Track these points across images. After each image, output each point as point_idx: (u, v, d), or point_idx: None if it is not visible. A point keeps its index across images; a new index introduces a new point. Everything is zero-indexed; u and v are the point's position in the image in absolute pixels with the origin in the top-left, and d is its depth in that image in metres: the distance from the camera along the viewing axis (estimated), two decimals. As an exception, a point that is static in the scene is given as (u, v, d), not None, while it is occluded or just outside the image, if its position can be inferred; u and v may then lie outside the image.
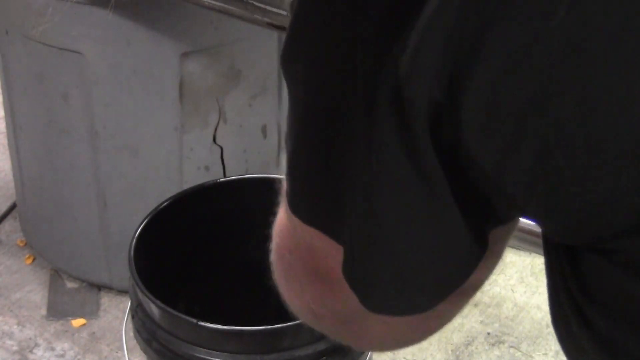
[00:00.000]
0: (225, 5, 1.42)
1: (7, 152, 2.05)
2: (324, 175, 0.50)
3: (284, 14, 1.35)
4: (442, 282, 0.51)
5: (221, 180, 1.55)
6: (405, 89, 0.43)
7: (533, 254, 2.02)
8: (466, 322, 1.91)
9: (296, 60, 0.48)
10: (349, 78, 0.45)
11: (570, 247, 0.47)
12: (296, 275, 0.58)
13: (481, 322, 1.92)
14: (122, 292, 1.91)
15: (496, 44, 0.40)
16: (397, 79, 0.43)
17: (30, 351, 1.82)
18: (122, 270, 1.67)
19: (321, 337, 1.24)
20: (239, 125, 1.77)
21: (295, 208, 0.53)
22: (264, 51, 1.75)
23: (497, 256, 0.56)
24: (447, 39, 0.41)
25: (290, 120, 0.51)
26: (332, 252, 0.52)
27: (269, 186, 1.60)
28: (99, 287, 1.96)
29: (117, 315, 1.90)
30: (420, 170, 0.45)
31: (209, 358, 1.23)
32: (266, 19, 1.38)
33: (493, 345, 1.87)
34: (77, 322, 1.88)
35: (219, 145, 1.76)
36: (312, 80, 0.48)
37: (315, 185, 0.51)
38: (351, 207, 0.49)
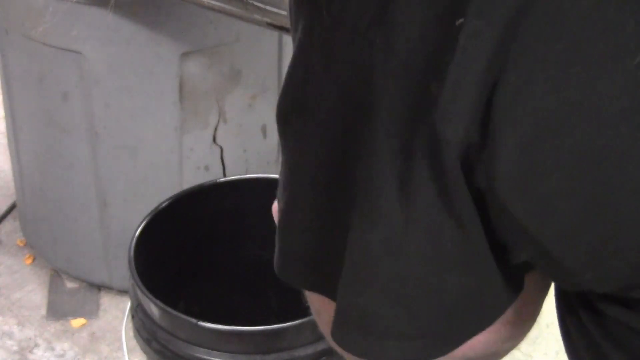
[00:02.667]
0: (225, 5, 1.42)
1: (7, 152, 2.05)
2: (325, 231, 0.48)
3: (284, 14, 1.35)
4: (467, 325, 0.49)
5: (221, 180, 1.55)
6: (441, 128, 0.40)
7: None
8: (466, 322, 1.91)
9: (303, 111, 0.46)
10: (372, 121, 0.42)
11: (586, 295, 0.45)
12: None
13: (481, 322, 1.92)
14: (122, 292, 1.91)
15: (542, 85, 0.38)
16: (433, 118, 0.40)
17: (30, 351, 1.82)
18: (122, 270, 1.67)
19: (321, 337, 1.24)
20: (239, 125, 1.77)
21: (284, 273, 0.52)
22: (264, 51, 1.75)
23: (546, 287, 0.53)
24: (483, 78, 0.39)
25: (287, 175, 0.49)
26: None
27: (269, 186, 1.61)
28: (99, 287, 1.96)
29: (117, 315, 1.90)
30: (456, 214, 0.43)
31: (209, 358, 1.23)
32: (266, 19, 1.38)
33: (493, 345, 1.87)
34: (77, 322, 1.88)
35: (218, 145, 1.76)
36: (325, 131, 0.45)
37: (313, 243, 0.49)
38: (361, 258, 0.46)
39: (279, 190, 0.51)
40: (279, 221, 0.51)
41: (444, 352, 0.50)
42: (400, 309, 0.46)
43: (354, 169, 0.44)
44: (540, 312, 0.55)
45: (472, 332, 0.49)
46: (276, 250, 0.52)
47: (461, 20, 0.38)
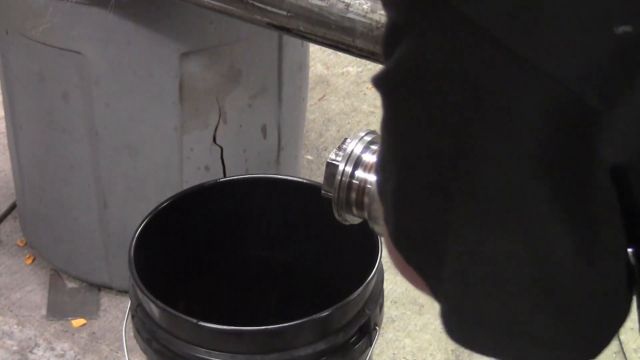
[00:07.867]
0: (225, 5, 1.42)
1: (7, 152, 2.05)
2: (439, 216, 0.47)
3: (284, 14, 1.35)
4: (609, 330, 0.49)
5: (221, 180, 1.55)
6: (603, 148, 0.40)
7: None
8: (466, 322, 1.91)
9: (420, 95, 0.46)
10: (512, 130, 0.42)
11: None
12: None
13: (481, 322, 1.91)
14: (122, 292, 1.91)
15: None
16: (591, 135, 0.40)
17: (30, 351, 1.82)
18: (122, 270, 1.67)
19: (321, 337, 1.24)
20: (239, 125, 1.77)
21: (398, 243, 0.52)
22: (264, 51, 1.75)
23: None
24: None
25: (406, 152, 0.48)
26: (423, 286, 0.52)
27: (268, 186, 1.61)
28: (99, 287, 1.96)
29: (117, 315, 1.90)
30: (609, 230, 0.44)
31: (209, 358, 1.23)
32: (266, 19, 1.38)
33: (493, 345, 1.86)
34: (77, 322, 1.88)
35: (219, 145, 1.76)
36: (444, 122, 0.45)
37: (424, 225, 0.49)
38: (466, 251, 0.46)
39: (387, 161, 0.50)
40: (396, 193, 0.50)
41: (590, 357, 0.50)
42: (551, 318, 0.47)
43: (478, 174, 0.44)
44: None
45: (611, 336, 0.49)
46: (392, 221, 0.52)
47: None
